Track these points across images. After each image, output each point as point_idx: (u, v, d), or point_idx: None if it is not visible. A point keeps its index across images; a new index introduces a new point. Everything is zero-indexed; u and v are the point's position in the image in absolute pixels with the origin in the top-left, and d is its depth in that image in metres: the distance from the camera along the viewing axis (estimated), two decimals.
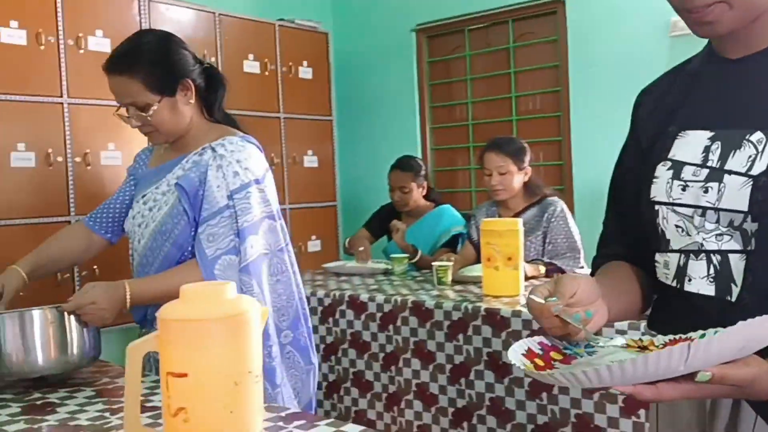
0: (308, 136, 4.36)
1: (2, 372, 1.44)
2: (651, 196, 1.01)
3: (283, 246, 1.78)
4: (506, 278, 2.47)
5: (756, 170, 0.89)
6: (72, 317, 1.50)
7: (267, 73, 4.14)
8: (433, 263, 2.77)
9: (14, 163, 3.07)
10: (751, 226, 0.89)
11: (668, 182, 0.98)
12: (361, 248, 3.24)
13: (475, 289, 2.64)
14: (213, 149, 1.72)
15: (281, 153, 4.19)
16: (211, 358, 1.05)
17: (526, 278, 2.66)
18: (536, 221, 2.93)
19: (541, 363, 0.91)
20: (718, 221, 0.93)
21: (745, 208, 0.89)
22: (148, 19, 3.58)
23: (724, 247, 0.92)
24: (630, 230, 1.09)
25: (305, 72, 4.37)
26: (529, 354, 0.93)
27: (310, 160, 4.37)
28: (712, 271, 0.94)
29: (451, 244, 3.22)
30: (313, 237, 4.35)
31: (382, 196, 3.62)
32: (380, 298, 2.53)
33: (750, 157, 0.90)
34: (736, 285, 0.92)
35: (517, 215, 2.98)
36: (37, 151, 3.14)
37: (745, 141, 0.91)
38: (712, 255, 0.94)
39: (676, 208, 0.98)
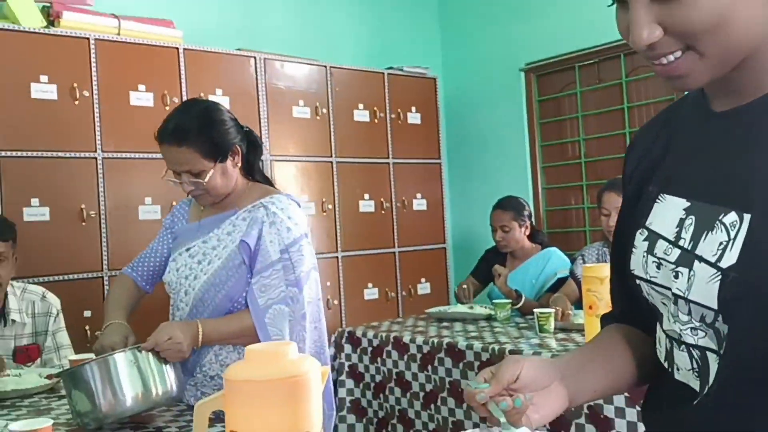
0: (417, 179, 4.43)
1: (97, 417, 1.53)
2: (631, 268, 0.88)
3: (321, 296, 1.93)
4: None
5: (725, 262, 0.73)
6: (150, 356, 1.59)
7: (376, 121, 4.27)
8: (534, 310, 2.71)
9: (142, 216, 3.34)
10: (722, 326, 0.75)
11: (644, 256, 0.85)
12: (464, 286, 3.25)
13: (579, 337, 2.55)
14: (265, 207, 1.85)
15: (390, 197, 4.28)
16: (271, 418, 1.10)
17: None
18: None
19: None
20: (690, 313, 0.79)
21: (715, 306, 0.74)
22: (264, 75, 3.81)
23: (700, 343, 0.79)
24: (629, 291, 0.94)
25: (414, 117, 4.45)
26: None
27: (419, 203, 4.43)
28: (695, 365, 0.80)
29: (558, 288, 3.14)
30: (423, 280, 4.38)
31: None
32: (478, 346, 2.50)
33: (721, 244, 0.75)
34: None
35: None
36: (163, 204, 3.40)
37: (717, 222, 0.76)
38: (691, 348, 0.80)
39: (654, 286, 0.84)
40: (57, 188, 3.15)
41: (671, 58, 0.74)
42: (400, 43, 4.82)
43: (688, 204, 0.81)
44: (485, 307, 3.20)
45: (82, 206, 3.18)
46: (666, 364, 0.86)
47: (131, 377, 1.55)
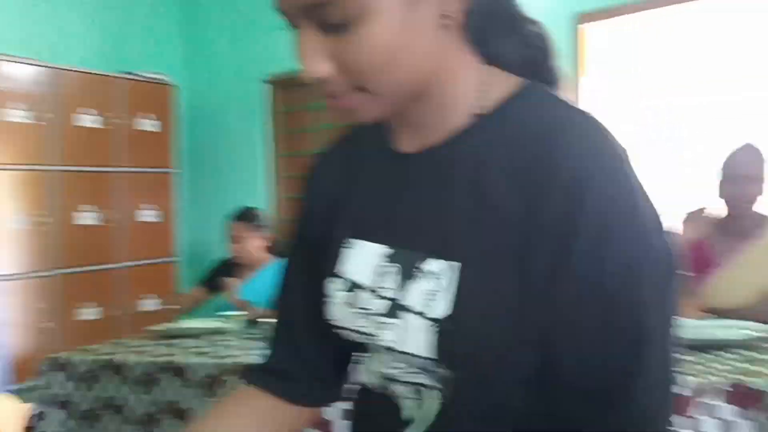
0: (146, 189, 4.23)
1: None
2: (330, 318, 0.80)
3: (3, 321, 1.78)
4: None
5: (437, 312, 0.68)
6: None
7: (105, 127, 4.02)
8: (267, 320, 2.63)
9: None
10: (446, 372, 0.71)
11: (342, 306, 0.78)
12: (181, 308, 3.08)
13: None
14: None
15: (114, 208, 4.04)
16: None
17: None
18: None
19: None
20: (405, 362, 0.73)
21: (434, 357, 0.70)
22: None
23: (420, 381, 0.73)
24: (306, 338, 0.87)
25: (147, 125, 4.24)
26: None
27: (147, 215, 4.20)
28: (415, 395, 0.75)
29: None
30: (149, 296, 4.17)
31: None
32: (209, 362, 2.36)
33: (430, 293, 0.69)
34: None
35: None
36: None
37: (423, 270, 0.70)
38: (410, 384, 0.74)
39: (360, 335, 0.77)
40: None
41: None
42: (136, 48, 4.56)
43: (386, 250, 0.75)
44: (215, 320, 3.05)
45: None
46: (380, 389, 0.78)
47: None
